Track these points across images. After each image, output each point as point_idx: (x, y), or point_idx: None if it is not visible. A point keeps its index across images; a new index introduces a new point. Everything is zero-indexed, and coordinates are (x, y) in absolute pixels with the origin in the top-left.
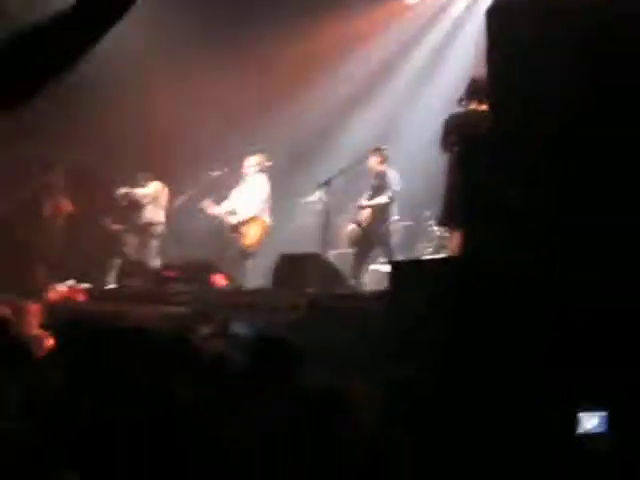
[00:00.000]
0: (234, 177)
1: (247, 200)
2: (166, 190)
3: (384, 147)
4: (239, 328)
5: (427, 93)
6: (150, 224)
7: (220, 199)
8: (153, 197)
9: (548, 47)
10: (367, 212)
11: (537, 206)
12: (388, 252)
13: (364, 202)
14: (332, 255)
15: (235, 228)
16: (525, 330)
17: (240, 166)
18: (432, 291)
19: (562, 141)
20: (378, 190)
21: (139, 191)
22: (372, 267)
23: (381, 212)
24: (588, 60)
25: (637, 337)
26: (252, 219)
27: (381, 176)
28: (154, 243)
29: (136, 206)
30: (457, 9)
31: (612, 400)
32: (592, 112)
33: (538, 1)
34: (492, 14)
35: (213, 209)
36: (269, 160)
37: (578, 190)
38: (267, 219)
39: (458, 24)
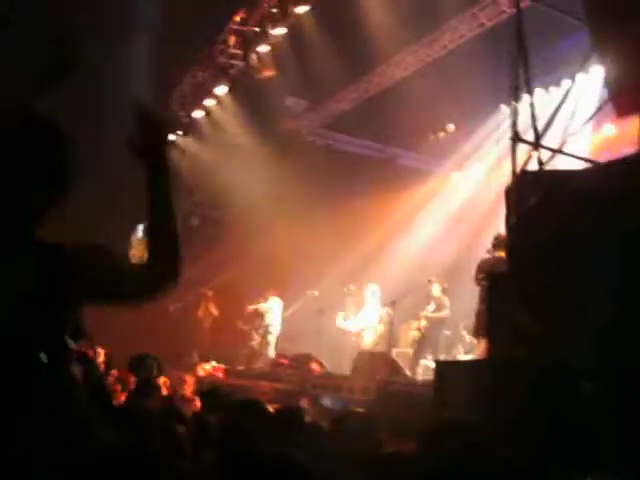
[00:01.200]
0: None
1: (367, 314)
2: (281, 302)
3: (443, 281)
4: (327, 402)
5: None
6: (269, 326)
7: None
8: (272, 308)
9: (546, 215)
10: (426, 321)
11: (533, 325)
12: (435, 352)
13: (428, 314)
14: (395, 352)
15: (357, 334)
16: (535, 408)
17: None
18: (465, 382)
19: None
20: (438, 308)
21: (262, 304)
22: (423, 362)
23: (438, 323)
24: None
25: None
26: (369, 327)
27: (440, 299)
28: (271, 339)
29: (259, 314)
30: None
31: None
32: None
33: (540, 185)
34: (508, 192)
35: (344, 323)
36: (380, 289)
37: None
38: (379, 328)
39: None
